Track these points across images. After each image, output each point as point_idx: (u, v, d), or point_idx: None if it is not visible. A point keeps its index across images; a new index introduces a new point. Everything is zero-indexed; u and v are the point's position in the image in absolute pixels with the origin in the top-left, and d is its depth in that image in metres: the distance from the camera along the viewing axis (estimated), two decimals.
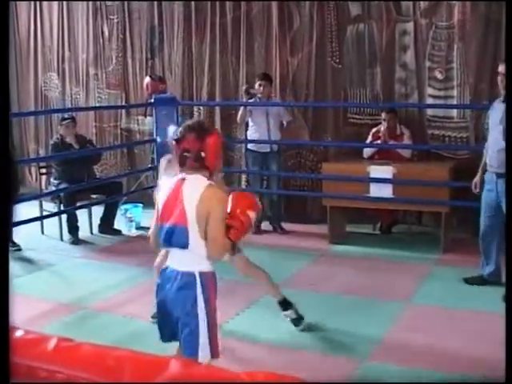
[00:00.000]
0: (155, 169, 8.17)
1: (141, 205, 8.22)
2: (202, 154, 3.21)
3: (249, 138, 7.91)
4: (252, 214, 3.31)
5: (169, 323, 3.29)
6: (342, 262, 6.50)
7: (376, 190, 6.94)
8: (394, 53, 7.70)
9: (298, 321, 4.84)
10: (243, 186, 8.59)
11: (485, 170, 5.77)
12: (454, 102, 7.44)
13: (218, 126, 8.69)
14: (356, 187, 6.99)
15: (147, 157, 9.11)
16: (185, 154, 3.22)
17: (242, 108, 7.77)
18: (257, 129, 7.74)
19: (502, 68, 5.41)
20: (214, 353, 3.20)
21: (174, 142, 3.29)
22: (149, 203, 8.39)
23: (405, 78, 7.69)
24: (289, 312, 4.87)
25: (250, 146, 7.94)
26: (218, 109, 8.74)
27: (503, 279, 5.27)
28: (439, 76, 7.49)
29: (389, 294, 5.48)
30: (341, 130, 8.03)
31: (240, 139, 8.45)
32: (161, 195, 3.32)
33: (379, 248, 7.02)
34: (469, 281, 5.80)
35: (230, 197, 3.33)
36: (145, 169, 8.89)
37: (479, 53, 7.25)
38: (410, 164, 7.25)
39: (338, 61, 7.99)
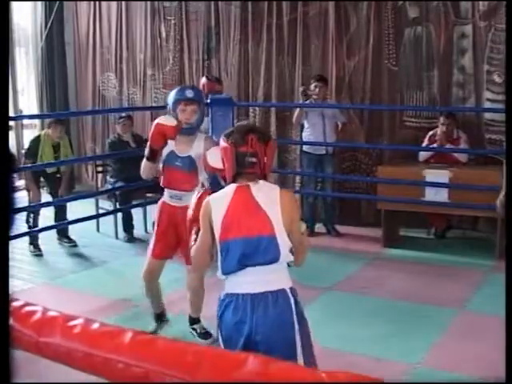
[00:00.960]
0: None
1: None
2: (265, 159, 2.92)
3: (304, 139, 7.92)
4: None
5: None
6: (395, 266, 6.47)
7: (431, 194, 6.89)
8: (452, 56, 7.64)
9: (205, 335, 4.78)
10: (297, 188, 8.61)
11: None
12: None
13: (273, 127, 8.75)
14: (411, 191, 6.95)
15: None
16: (250, 158, 2.88)
17: (297, 109, 7.79)
18: (312, 131, 7.74)
19: None
20: None
21: (228, 145, 2.92)
22: None
23: (462, 81, 7.62)
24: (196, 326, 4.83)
25: (305, 147, 7.96)
26: (273, 110, 8.79)
27: None
28: (498, 79, 7.40)
29: (442, 300, 5.44)
30: (396, 133, 7.99)
31: (295, 141, 8.47)
32: (217, 206, 2.86)
33: (433, 253, 6.97)
34: None
35: None
36: None
37: None
38: (466, 168, 7.17)
39: (394, 63, 7.96)
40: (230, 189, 2.91)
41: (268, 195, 2.88)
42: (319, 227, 7.88)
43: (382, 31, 7.98)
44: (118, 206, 7.69)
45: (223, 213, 2.83)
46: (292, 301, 2.82)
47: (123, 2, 9.94)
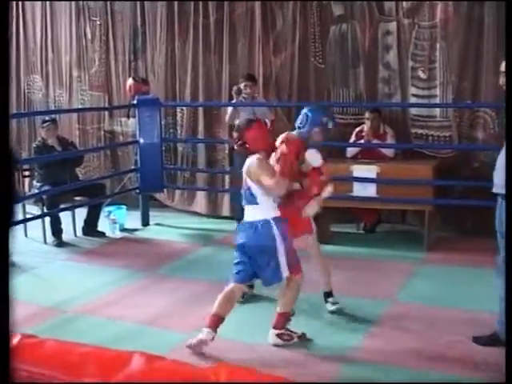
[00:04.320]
0: (138, 170, 8.13)
1: (124, 207, 8.16)
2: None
3: None
4: None
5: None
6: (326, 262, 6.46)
7: (360, 190, 6.92)
8: (377, 53, 7.69)
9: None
10: (226, 187, 8.56)
11: None
12: (437, 101, 7.43)
13: (201, 126, 8.67)
14: (340, 187, 6.89)
15: (130, 159, 9.06)
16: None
17: (230, 109, 7.70)
18: None
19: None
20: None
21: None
22: (132, 205, 8.37)
23: (388, 77, 7.67)
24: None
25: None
26: (201, 109, 8.69)
27: None
28: (422, 75, 7.48)
29: (373, 294, 5.44)
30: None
31: (226, 140, 8.41)
32: None
33: (363, 247, 6.99)
34: None
35: None
36: (128, 170, 8.83)
37: (461, 52, 7.24)
38: (393, 163, 7.23)
39: (321, 61, 7.97)
40: None
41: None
42: None
43: (307, 29, 7.97)
44: (45, 211, 7.49)
45: None
46: (273, 225, 4.32)
47: (47, 2, 9.69)
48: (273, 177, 4.33)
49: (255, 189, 4.41)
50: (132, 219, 8.19)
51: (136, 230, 8.09)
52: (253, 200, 4.42)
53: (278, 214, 4.43)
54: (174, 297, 5.58)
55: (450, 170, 7.26)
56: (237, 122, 7.65)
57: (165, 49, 8.83)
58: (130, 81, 8.50)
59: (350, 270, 6.19)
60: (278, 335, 4.50)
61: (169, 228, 8.21)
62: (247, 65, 8.32)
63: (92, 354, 1.76)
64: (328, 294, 5.12)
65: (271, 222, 4.36)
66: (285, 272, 4.37)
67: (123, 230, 7.98)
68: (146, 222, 8.25)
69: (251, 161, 4.45)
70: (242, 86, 7.53)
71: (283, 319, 4.52)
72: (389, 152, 7.42)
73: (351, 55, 7.81)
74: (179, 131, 8.92)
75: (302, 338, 4.56)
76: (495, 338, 4.33)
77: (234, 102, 7.63)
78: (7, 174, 1.90)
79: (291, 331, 4.55)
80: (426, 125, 7.51)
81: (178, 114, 8.90)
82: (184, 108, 8.84)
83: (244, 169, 4.49)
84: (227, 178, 8.60)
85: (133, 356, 1.71)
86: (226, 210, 8.58)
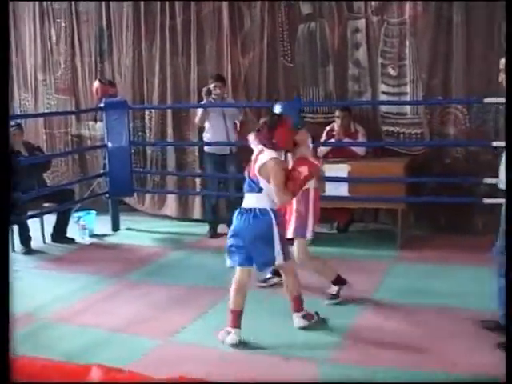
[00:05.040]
0: (107, 175, 8.05)
1: (94, 212, 8.06)
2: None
3: (207, 140, 7.79)
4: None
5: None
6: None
7: (331, 189, 6.90)
8: (347, 50, 7.67)
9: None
10: (197, 190, 8.51)
11: None
12: (407, 99, 7.43)
13: (170, 129, 8.60)
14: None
15: (99, 163, 8.96)
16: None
17: (199, 111, 7.64)
18: (214, 131, 7.60)
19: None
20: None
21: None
22: (102, 210, 8.28)
23: (358, 75, 7.66)
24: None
25: (207, 149, 7.82)
26: (169, 112, 8.63)
27: None
28: (392, 72, 7.48)
29: (348, 294, 5.42)
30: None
31: (196, 142, 8.37)
32: None
33: (336, 247, 6.97)
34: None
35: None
36: (97, 175, 8.72)
37: (431, 49, 7.24)
38: (364, 161, 7.22)
39: (289, 60, 7.94)
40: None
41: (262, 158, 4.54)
42: (223, 228, 7.81)
43: (276, 28, 7.94)
44: (13, 218, 7.37)
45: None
46: (272, 214, 4.52)
47: (10, 3, 9.57)
48: (281, 188, 4.49)
49: (262, 181, 4.54)
50: (102, 224, 8.10)
51: (106, 235, 7.99)
52: (255, 188, 4.56)
53: (276, 206, 4.60)
54: (146, 302, 5.51)
55: (422, 166, 7.26)
56: (206, 123, 7.69)
57: (131, 50, 8.74)
58: (96, 83, 8.40)
59: None
60: (303, 316, 4.77)
61: (139, 232, 8.13)
62: (215, 65, 8.26)
63: (50, 368, 1.71)
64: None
65: (270, 211, 4.53)
66: (279, 259, 4.56)
67: (93, 235, 7.88)
68: (116, 227, 8.17)
69: (267, 159, 4.52)
70: (211, 86, 7.48)
71: (298, 301, 4.79)
72: (360, 150, 7.42)
73: (320, 54, 7.79)
74: (148, 134, 8.84)
75: (318, 316, 4.85)
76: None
77: (203, 103, 7.57)
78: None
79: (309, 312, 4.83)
80: (396, 122, 7.51)
81: (147, 117, 8.82)
82: (152, 110, 8.76)
83: (257, 162, 4.58)
84: (198, 180, 8.55)
85: (91, 369, 1.67)
86: (197, 213, 8.52)
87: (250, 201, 4.60)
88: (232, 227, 4.66)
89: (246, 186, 4.69)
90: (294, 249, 5.12)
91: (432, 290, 5.53)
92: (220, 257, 6.61)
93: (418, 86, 7.34)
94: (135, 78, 8.80)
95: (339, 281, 5.34)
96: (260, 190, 4.54)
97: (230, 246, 4.64)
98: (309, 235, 5.20)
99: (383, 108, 7.58)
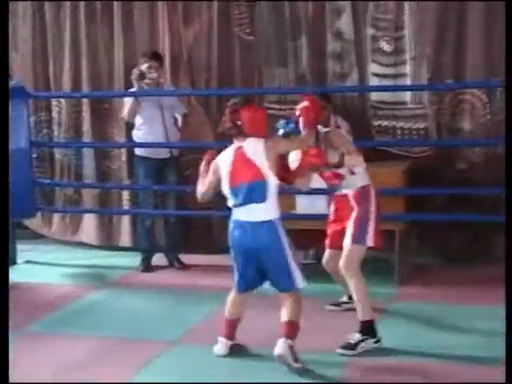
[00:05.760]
0: None
1: None
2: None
3: (139, 140, 7.78)
4: None
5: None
6: (261, 303, 6.42)
7: (305, 206, 6.93)
8: (325, 18, 7.73)
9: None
10: (126, 207, 8.49)
11: None
12: (407, 82, 7.51)
13: (87, 125, 8.57)
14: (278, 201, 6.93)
15: None
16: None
17: (129, 100, 7.61)
18: (149, 128, 7.61)
19: None
20: None
21: None
22: None
23: (340, 51, 7.72)
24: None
25: (139, 151, 7.82)
26: (86, 102, 8.61)
27: None
28: (386, 47, 7.55)
29: (329, 345, 5.42)
30: None
31: (123, 143, 8.38)
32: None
33: (315, 283, 6.97)
34: None
35: None
36: None
37: (439, 15, 7.33)
38: None
39: (248, 31, 7.99)
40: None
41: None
42: (159, 258, 7.80)
43: None
44: None
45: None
46: (278, 227, 5.12)
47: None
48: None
49: (270, 181, 5.07)
50: None
51: None
52: (258, 197, 5.07)
53: (275, 215, 5.16)
54: (55, 363, 5.46)
55: (427, 173, 7.32)
56: (137, 117, 7.67)
57: (31, 17, 8.72)
58: None
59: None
60: (290, 347, 5.04)
61: (45, 266, 8.10)
62: (148, 39, 8.29)
63: None
64: None
65: (275, 222, 5.12)
66: (299, 280, 5.24)
67: None
68: (12, 260, 8.08)
69: (262, 146, 5.10)
70: (144, 68, 7.46)
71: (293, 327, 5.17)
72: None
73: (290, 22, 7.83)
74: (56, 132, 8.82)
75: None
76: None
77: (133, 90, 7.57)
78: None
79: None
80: (392, 114, 7.57)
81: (54, 109, 8.81)
82: (62, 100, 8.75)
83: (253, 156, 5.06)
84: (126, 194, 8.55)
85: None
86: (125, 239, 8.52)
87: (253, 213, 5.12)
88: (234, 244, 5.31)
89: (242, 195, 5.11)
90: (345, 255, 5.50)
91: (440, 342, 5.55)
92: (158, 297, 6.65)
93: (421, 65, 7.41)
94: (37, 56, 8.78)
95: (369, 329, 5.43)
96: (264, 198, 5.09)
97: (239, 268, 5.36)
98: (370, 242, 5.54)
99: (374, 96, 7.64)
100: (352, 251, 5.49)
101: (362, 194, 5.55)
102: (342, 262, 5.51)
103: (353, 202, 5.58)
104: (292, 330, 5.09)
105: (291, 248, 5.16)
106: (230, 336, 5.37)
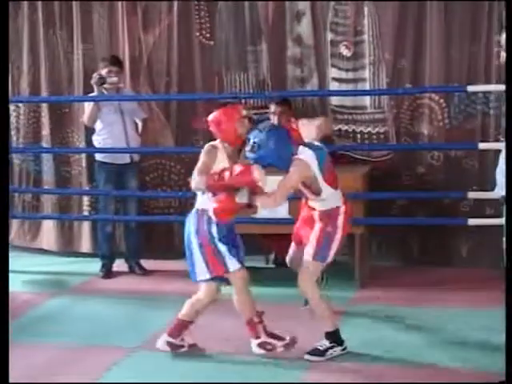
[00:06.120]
0: None
1: None
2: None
3: (100, 145, 7.75)
4: None
5: None
6: (223, 308, 6.40)
7: (265, 209, 6.93)
8: (285, 23, 7.76)
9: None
10: (86, 213, 8.45)
11: None
12: (367, 87, 7.56)
13: (46, 130, 8.52)
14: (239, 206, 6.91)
15: None
16: None
17: (89, 105, 7.59)
18: (110, 133, 7.60)
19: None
20: None
21: None
22: None
23: (300, 56, 7.76)
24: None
25: (100, 156, 7.79)
26: (45, 106, 8.58)
27: None
28: (345, 52, 7.58)
29: (287, 352, 5.44)
30: None
31: (83, 148, 8.33)
32: None
33: (274, 287, 6.99)
34: None
35: None
36: None
37: (398, 20, 7.39)
38: None
39: (208, 36, 7.99)
40: None
41: None
42: (120, 264, 7.78)
43: None
44: None
45: None
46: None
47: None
48: (200, 173, 5.22)
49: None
50: None
51: None
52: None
53: (207, 206, 5.33)
54: (12, 372, 5.38)
55: (387, 177, 7.36)
56: (97, 122, 7.64)
57: None
58: None
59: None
60: (260, 345, 5.38)
61: None
62: (108, 44, 8.26)
63: None
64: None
65: (198, 212, 5.43)
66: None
67: None
68: None
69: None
70: (104, 72, 7.45)
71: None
72: None
73: (249, 28, 7.86)
74: (14, 137, 8.77)
75: None
76: None
77: (93, 95, 7.54)
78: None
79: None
80: (352, 119, 7.61)
81: (12, 114, 8.73)
82: (20, 105, 8.71)
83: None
84: (86, 200, 8.51)
85: None
86: (85, 245, 8.49)
87: (198, 200, 5.51)
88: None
89: None
90: (304, 271, 5.41)
91: (401, 344, 5.58)
92: (119, 303, 6.62)
93: (380, 69, 7.45)
94: None
95: (335, 338, 5.42)
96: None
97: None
98: (329, 259, 5.49)
99: (334, 100, 7.68)
100: (311, 268, 5.41)
101: (328, 216, 5.42)
102: (300, 276, 5.43)
103: (317, 219, 5.46)
104: (174, 327, 5.45)
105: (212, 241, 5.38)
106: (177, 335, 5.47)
